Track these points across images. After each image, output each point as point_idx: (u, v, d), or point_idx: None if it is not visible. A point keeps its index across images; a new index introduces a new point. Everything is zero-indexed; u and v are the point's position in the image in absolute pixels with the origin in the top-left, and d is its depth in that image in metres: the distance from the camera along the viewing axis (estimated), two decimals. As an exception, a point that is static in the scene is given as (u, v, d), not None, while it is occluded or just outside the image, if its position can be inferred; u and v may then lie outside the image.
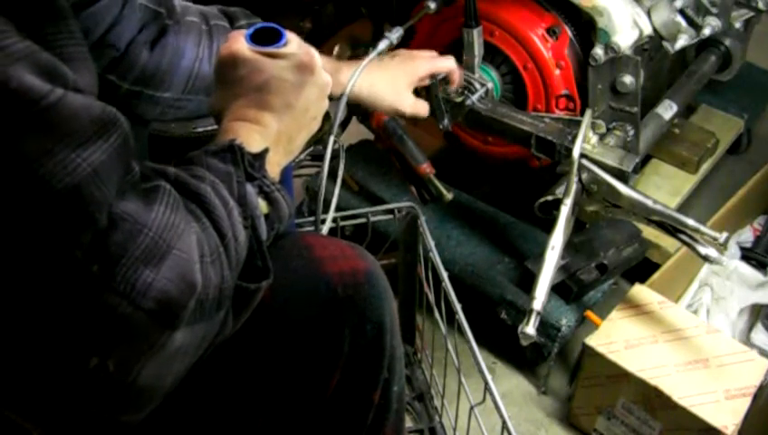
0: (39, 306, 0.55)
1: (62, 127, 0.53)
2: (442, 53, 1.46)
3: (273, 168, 0.78)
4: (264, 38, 0.80)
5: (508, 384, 1.48)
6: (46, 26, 0.56)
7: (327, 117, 1.45)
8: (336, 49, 1.38)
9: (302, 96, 0.80)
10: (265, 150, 0.76)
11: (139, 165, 0.61)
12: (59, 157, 0.53)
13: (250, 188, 0.72)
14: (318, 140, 1.46)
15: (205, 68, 1.01)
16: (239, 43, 0.80)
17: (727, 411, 1.20)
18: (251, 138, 0.77)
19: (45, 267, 0.54)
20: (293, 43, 0.81)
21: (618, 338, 1.31)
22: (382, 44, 1.27)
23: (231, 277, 0.65)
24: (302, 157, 1.62)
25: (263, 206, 0.74)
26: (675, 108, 1.45)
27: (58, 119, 0.53)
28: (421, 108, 1.23)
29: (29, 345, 0.57)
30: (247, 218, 0.69)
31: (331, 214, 1.22)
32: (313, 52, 0.82)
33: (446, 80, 1.39)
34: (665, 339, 1.31)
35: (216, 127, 0.80)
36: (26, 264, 0.54)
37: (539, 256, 1.29)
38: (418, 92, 1.35)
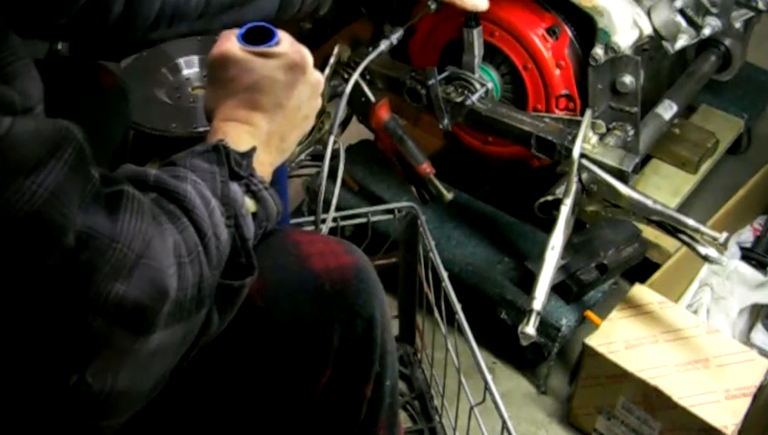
0: (14, 333, 0.55)
1: (13, 156, 0.52)
2: (442, 52, 1.47)
3: (266, 167, 0.79)
4: (256, 37, 0.81)
5: (508, 384, 1.48)
6: None
7: (327, 115, 1.46)
8: (336, 49, 1.38)
9: (294, 95, 0.80)
10: (253, 149, 0.76)
11: (97, 170, 0.59)
12: (13, 187, 0.52)
13: (235, 187, 0.72)
14: (318, 140, 1.47)
15: None
16: (230, 42, 0.80)
17: (727, 411, 1.20)
18: (240, 138, 0.77)
19: (15, 294, 0.54)
20: (285, 43, 0.81)
21: (618, 338, 1.31)
22: (383, 44, 1.28)
23: (211, 276, 0.65)
24: (302, 157, 1.62)
25: (250, 204, 0.74)
26: (675, 108, 1.45)
27: (9, 150, 0.52)
28: None
29: (7, 371, 0.57)
30: (231, 217, 0.69)
31: (331, 214, 1.22)
32: (305, 51, 0.82)
33: (446, 79, 1.39)
34: (665, 339, 1.31)
35: None
36: None
37: (539, 256, 1.29)
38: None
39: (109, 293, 0.56)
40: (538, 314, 1.22)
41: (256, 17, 1.05)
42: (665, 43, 1.36)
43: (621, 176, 1.26)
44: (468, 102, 1.36)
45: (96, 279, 0.56)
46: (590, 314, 1.39)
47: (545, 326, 1.38)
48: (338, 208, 1.26)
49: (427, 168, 1.41)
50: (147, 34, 1.01)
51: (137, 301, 0.57)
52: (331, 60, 1.37)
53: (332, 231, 1.26)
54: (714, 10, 1.45)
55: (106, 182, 0.60)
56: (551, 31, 1.36)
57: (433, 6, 1.31)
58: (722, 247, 1.21)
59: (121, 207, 0.59)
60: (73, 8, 0.91)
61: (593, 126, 1.29)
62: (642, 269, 1.50)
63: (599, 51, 1.26)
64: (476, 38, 1.34)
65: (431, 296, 1.27)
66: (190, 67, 1.98)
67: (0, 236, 0.52)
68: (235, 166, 0.73)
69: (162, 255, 0.60)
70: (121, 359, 0.58)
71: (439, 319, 1.23)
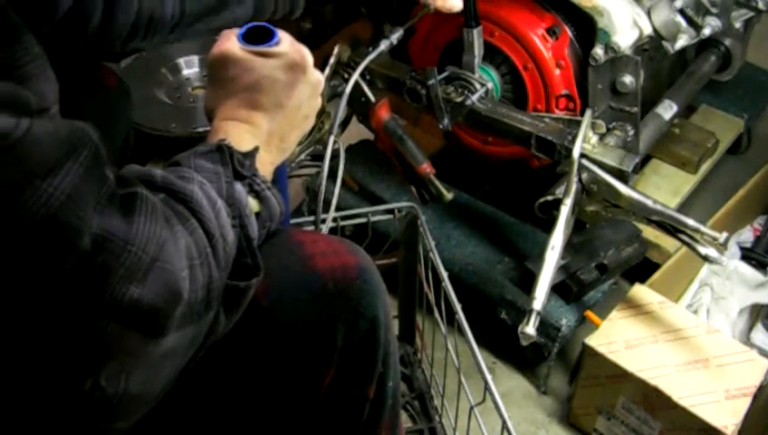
0: (29, 337, 0.55)
1: (30, 159, 0.52)
2: (442, 52, 1.47)
3: (266, 167, 0.79)
4: (256, 37, 0.81)
5: (508, 384, 1.48)
6: (3, 53, 0.54)
7: (327, 115, 1.46)
8: (336, 49, 1.39)
9: (294, 95, 0.81)
10: (255, 149, 0.76)
11: (112, 171, 0.59)
12: (30, 190, 0.51)
13: (239, 188, 0.72)
14: (318, 140, 1.47)
15: None
16: (230, 42, 0.81)
17: (727, 411, 1.20)
18: (242, 137, 0.77)
19: (31, 298, 0.54)
20: (285, 42, 0.81)
21: (618, 338, 1.31)
22: (383, 44, 1.28)
23: (219, 277, 0.65)
24: (302, 157, 1.62)
25: (254, 204, 0.74)
26: (675, 108, 1.45)
27: (26, 152, 0.51)
28: None
29: (21, 375, 0.56)
30: (236, 218, 0.69)
31: (331, 214, 1.22)
32: (305, 50, 0.82)
33: (446, 79, 1.39)
34: (665, 339, 1.31)
35: None
36: (14, 294, 0.53)
37: (539, 256, 1.29)
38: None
39: (124, 295, 0.56)
40: (538, 314, 1.22)
41: (229, 25, 1.05)
42: (665, 43, 1.36)
43: (621, 176, 1.26)
44: (468, 102, 1.36)
45: (111, 282, 0.55)
46: (590, 314, 1.39)
47: (545, 326, 1.38)
48: (338, 208, 1.26)
49: (427, 168, 1.41)
50: (123, 46, 1.01)
51: (151, 304, 0.57)
52: (331, 60, 1.37)
53: (332, 231, 1.26)
54: (714, 10, 1.45)
55: (120, 183, 0.60)
56: (551, 31, 1.36)
57: (433, 6, 1.31)
58: (722, 247, 1.21)
59: (136, 209, 0.59)
60: (56, 17, 0.91)
61: (593, 126, 1.29)
62: (642, 269, 1.50)
63: (599, 51, 1.26)
64: (476, 38, 1.34)
65: (431, 296, 1.27)
66: (190, 67, 1.98)
67: (16, 240, 0.52)
68: (238, 166, 0.73)
69: (175, 257, 0.60)
70: (135, 361, 0.58)
71: (439, 319, 1.23)
